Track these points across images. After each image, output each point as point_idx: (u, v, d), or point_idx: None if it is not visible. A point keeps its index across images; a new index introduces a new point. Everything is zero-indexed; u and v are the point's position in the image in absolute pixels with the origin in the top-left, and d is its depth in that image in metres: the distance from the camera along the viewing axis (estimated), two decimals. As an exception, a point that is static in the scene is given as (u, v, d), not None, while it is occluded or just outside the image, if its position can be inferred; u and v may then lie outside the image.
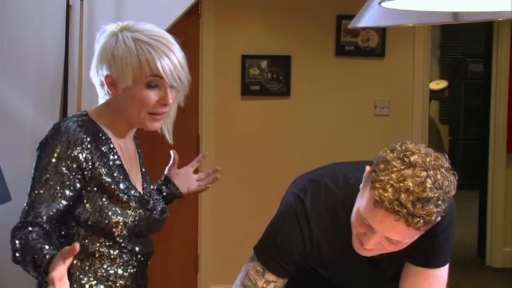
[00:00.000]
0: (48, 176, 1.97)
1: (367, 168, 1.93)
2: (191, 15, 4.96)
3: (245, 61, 5.39)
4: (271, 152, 5.44)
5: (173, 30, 4.02)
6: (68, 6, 3.63)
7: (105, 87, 2.09)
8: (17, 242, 1.92)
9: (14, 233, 1.95)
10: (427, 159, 1.86)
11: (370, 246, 1.94)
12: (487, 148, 6.47)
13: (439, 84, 9.43)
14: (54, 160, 1.98)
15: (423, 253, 2.12)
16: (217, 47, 5.35)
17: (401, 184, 1.82)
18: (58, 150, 1.98)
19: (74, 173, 1.99)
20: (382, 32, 5.41)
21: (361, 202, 1.92)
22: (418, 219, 1.82)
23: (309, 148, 5.39)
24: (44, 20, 3.69)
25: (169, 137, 2.22)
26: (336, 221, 2.08)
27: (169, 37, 2.10)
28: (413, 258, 2.14)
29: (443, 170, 1.86)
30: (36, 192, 1.97)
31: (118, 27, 2.09)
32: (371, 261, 2.14)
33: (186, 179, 2.53)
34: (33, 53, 3.70)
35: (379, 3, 1.86)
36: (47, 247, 1.89)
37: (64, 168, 1.98)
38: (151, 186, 2.27)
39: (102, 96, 2.15)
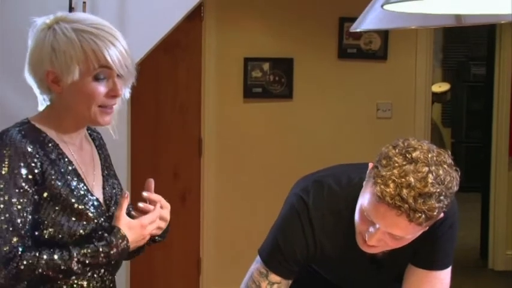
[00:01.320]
0: (7, 194, 1.81)
1: (370, 164, 1.94)
2: (193, 18, 4.97)
3: (247, 63, 5.39)
4: (274, 154, 5.44)
5: (176, 32, 4.03)
6: (71, 8, 3.63)
7: (45, 85, 1.93)
8: (38, 269, 1.80)
9: (11, 268, 1.79)
10: (429, 155, 1.86)
11: (373, 243, 1.94)
12: (489, 151, 6.46)
13: (441, 87, 9.44)
14: (7, 176, 1.82)
15: (426, 255, 2.12)
16: (219, 50, 5.35)
17: (402, 179, 1.82)
18: (7, 163, 1.82)
19: (29, 185, 1.83)
20: (384, 34, 5.41)
21: (364, 198, 1.92)
22: (420, 215, 1.82)
23: (311, 150, 5.38)
24: (46, 22, 3.68)
25: (113, 132, 2.04)
26: (339, 222, 2.08)
27: (110, 25, 1.95)
28: (416, 260, 2.13)
29: (445, 166, 1.87)
30: (2, 215, 1.80)
31: (52, 19, 1.94)
32: (374, 263, 2.14)
33: None
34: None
35: (382, 6, 1.86)
36: (75, 250, 1.84)
37: (22, 181, 1.82)
38: (114, 190, 2.08)
39: (42, 97, 1.99)
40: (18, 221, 1.82)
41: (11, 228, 1.81)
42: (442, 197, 1.84)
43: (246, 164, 5.44)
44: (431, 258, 2.13)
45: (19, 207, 1.83)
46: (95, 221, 1.93)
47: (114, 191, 2.08)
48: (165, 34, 3.82)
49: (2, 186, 1.82)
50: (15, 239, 1.81)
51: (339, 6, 5.33)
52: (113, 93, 1.93)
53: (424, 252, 2.11)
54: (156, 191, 2.33)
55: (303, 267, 2.19)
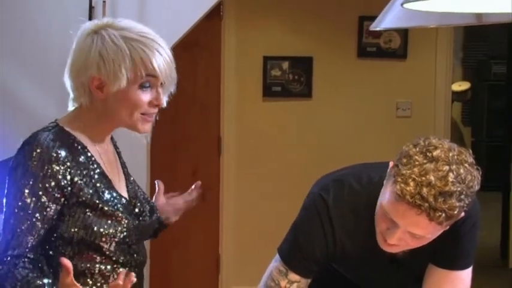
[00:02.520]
0: (25, 201, 1.82)
1: (391, 163, 1.93)
2: (213, 17, 4.97)
3: (267, 62, 5.39)
4: (293, 153, 5.44)
5: (195, 31, 4.04)
6: (91, 7, 3.64)
7: (87, 89, 1.92)
8: (9, 283, 1.79)
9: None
10: (450, 154, 1.86)
11: (394, 242, 1.93)
12: (510, 150, 6.43)
13: (461, 86, 9.38)
14: (29, 183, 1.83)
15: (447, 255, 2.11)
16: (238, 48, 5.36)
17: (423, 178, 1.81)
18: (33, 171, 1.83)
19: (53, 194, 1.84)
20: (404, 33, 5.39)
21: (384, 197, 1.92)
22: (440, 214, 1.81)
23: (330, 149, 5.38)
24: (66, 22, 3.69)
25: (145, 138, 2.05)
26: (359, 221, 2.08)
27: (153, 32, 1.96)
28: (436, 259, 2.12)
29: (466, 165, 1.86)
30: (14, 220, 1.83)
31: (98, 25, 1.93)
32: (394, 262, 2.14)
33: (174, 208, 2.30)
34: (55, 55, 3.71)
35: (402, 4, 1.85)
36: (45, 281, 1.79)
37: (41, 191, 1.83)
38: (136, 187, 2.12)
39: (76, 99, 1.97)
40: (28, 231, 1.83)
41: (16, 236, 1.82)
42: (462, 196, 1.83)
43: (265, 162, 5.44)
44: (452, 258, 2.12)
45: (34, 215, 1.84)
46: (126, 221, 1.95)
47: (136, 187, 2.11)
48: (184, 33, 3.83)
49: (22, 194, 1.82)
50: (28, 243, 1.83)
51: (359, 5, 5.32)
52: (156, 103, 1.95)
53: (445, 252, 2.09)
54: (175, 190, 2.36)
55: (323, 266, 2.19)
